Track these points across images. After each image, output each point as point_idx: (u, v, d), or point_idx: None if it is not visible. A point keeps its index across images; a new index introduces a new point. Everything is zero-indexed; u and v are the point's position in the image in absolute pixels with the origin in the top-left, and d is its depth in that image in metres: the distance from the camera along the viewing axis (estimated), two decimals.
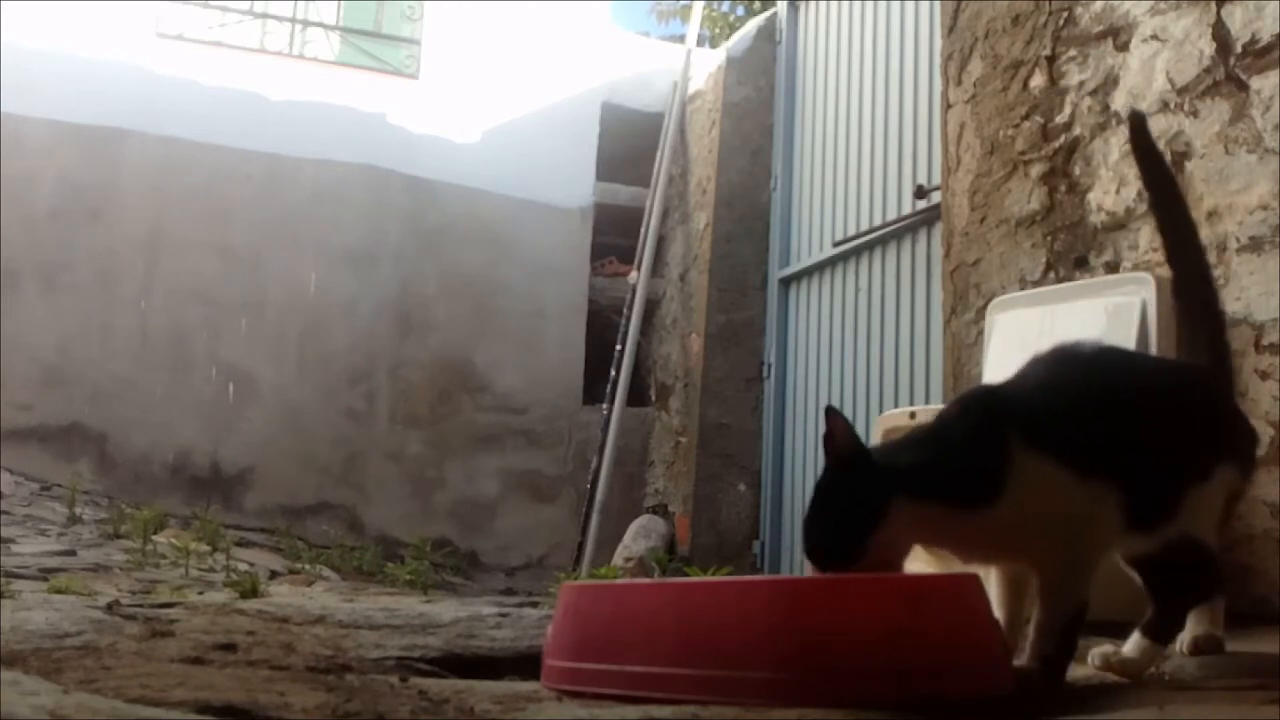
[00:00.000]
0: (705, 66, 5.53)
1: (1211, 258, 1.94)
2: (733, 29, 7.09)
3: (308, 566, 4.33)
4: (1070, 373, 1.40)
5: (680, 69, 5.70)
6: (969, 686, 1.18)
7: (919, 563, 1.46)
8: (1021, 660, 1.31)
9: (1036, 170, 2.77)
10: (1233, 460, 1.40)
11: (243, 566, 3.82)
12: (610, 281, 5.83)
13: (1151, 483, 1.33)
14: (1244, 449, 1.44)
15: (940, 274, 3.22)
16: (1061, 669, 1.31)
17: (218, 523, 4.43)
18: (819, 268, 4.58)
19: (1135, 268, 2.39)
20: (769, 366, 4.90)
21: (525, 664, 1.67)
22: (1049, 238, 2.70)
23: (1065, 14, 2.71)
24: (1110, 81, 2.54)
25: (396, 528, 5.23)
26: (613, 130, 5.94)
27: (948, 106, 3.20)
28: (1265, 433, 1.94)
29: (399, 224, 5.63)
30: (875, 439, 2.45)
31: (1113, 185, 2.52)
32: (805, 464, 4.54)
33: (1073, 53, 2.67)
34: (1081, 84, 2.64)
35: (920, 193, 3.79)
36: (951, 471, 1.28)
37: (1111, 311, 2.28)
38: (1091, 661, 1.41)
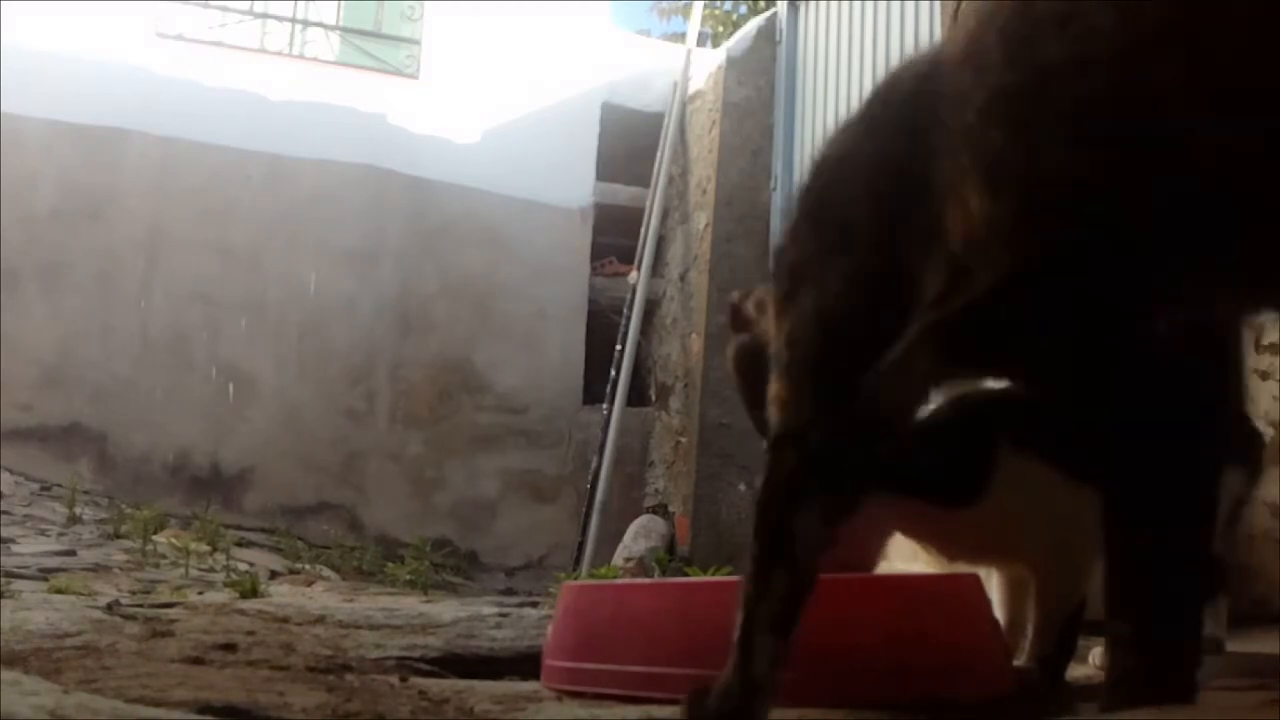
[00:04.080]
0: (705, 66, 5.52)
1: None
2: (735, 27, 7.08)
3: (308, 566, 4.34)
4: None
5: (680, 69, 5.70)
6: (969, 686, 1.18)
7: (919, 563, 1.46)
8: (1021, 660, 1.31)
9: None
10: (1237, 466, 1.40)
11: (243, 566, 3.83)
12: (610, 281, 5.82)
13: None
14: (1250, 454, 1.45)
15: None
16: (1061, 669, 1.32)
17: (218, 523, 4.43)
18: None
19: None
20: None
21: (525, 664, 1.67)
22: None
23: None
24: None
25: (396, 528, 5.23)
26: (613, 130, 5.93)
27: None
28: (1265, 433, 1.93)
29: (399, 224, 5.63)
30: None
31: None
32: None
33: None
34: None
35: None
36: (932, 470, 1.28)
37: None
38: (1092, 661, 1.41)
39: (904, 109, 1.02)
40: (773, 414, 1.07)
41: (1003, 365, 1.06)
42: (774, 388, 1.08)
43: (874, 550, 1.31)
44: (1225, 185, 0.79)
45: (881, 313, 0.98)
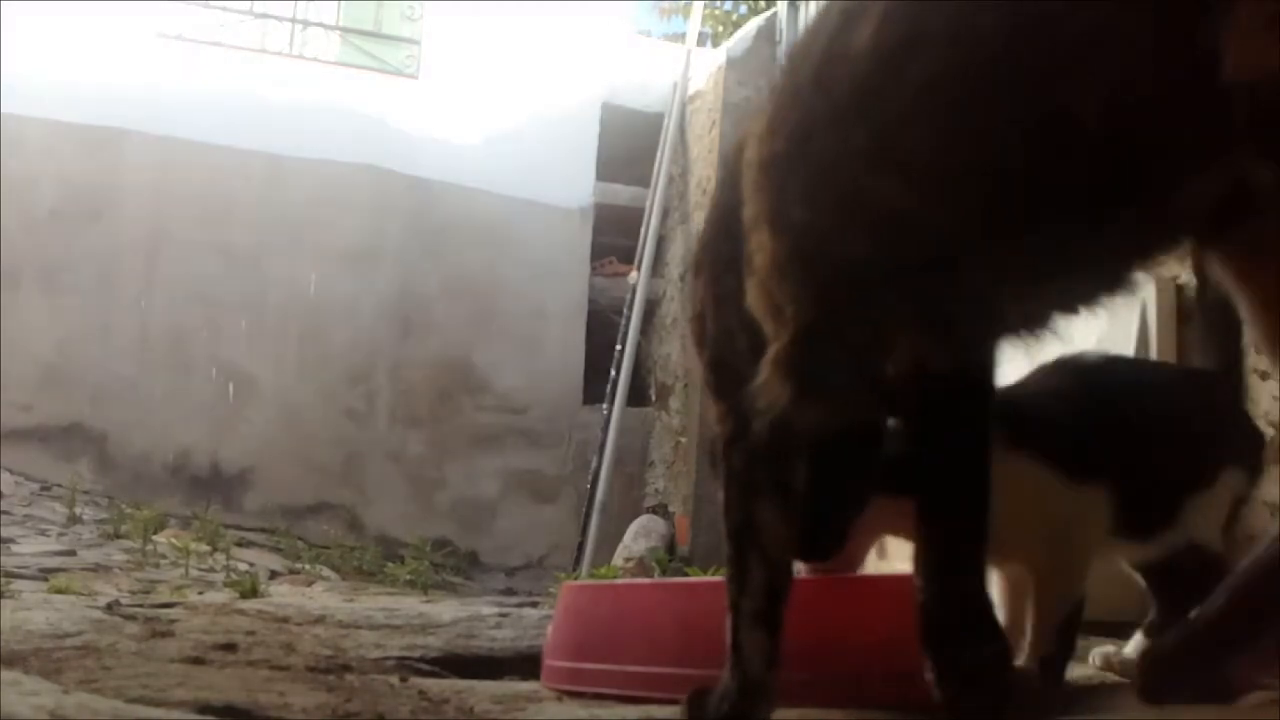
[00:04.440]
0: (705, 67, 5.52)
1: None
2: (735, 27, 7.07)
3: (308, 566, 4.34)
4: (1068, 380, 1.40)
5: (680, 69, 5.70)
6: None
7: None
8: (1021, 660, 1.31)
9: None
10: (1238, 465, 1.40)
11: (243, 566, 3.83)
12: (610, 281, 5.82)
13: (1150, 489, 1.33)
14: (1250, 454, 1.45)
15: None
16: (1061, 669, 1.32)
17: (218, 523, 4.43)
18: None
19: None
20: None
21: (525, 664, 1.67)
22: None
23: None
24: None
25: (396, 528, 5.23)
26: (613, 130, 5.93)
27: None
28: (1265, 432, 1.93)
29: (399, 224, 5.63)
30: None
31: None
32: None
33: None
34: None
35: None
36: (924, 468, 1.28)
37: (1111, 311, 2.27)
38: (1092, 661, 1.42)
39: (733, 168, 1.18)
40: (717, 430, 1.19)
41: (842, 396, 1.11)
42: (713, 410, 1.21)
43: (858, 552, 1.30)
44: (924, 236, 0.93)
45: (757, 331, 1.09)
